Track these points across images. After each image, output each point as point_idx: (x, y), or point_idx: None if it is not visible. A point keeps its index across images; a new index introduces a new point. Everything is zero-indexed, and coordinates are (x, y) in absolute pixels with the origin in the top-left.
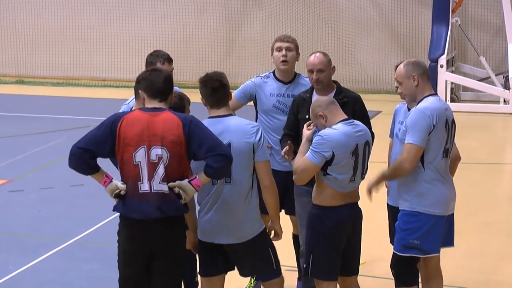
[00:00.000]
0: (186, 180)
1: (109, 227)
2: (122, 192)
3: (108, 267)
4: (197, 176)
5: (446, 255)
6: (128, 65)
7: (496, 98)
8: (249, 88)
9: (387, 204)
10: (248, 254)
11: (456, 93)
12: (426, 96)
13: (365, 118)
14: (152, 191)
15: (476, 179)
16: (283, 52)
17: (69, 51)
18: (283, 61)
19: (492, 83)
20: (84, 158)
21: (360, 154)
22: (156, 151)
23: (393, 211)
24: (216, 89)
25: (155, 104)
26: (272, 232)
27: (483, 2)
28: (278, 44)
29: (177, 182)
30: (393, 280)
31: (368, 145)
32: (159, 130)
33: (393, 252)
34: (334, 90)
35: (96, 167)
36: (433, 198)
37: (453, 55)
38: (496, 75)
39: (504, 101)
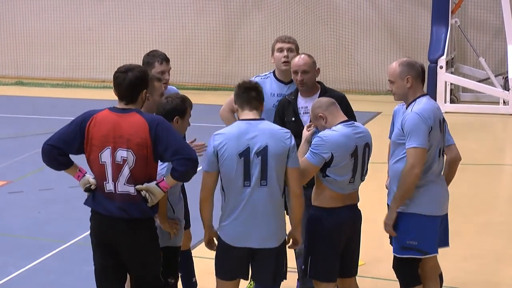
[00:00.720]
0: (154, 182)
1: None
2: (93, 187)
3: None
4: (164, 178)
5: (445, 256)
6: None
7: (496, 99)
8: None
9: (387, 204)
10: (272, 260)
11: (455, 94)
12: (418, 97)
13: (350, 116)
14: (117, 192)
15: (476, 180)
16: (285, 53)
17: (69, 53)
18: (284, 62)
19: (492, 84)
20: (53, 155)
21: (359, 156)
22: (121, 153)
23: None
24: (248, 88)
25: (123, 105)
26: (291, 240)
27: (482, 3)
28: (279, 45)
29: (145, 185)
30: (392, 282)
31: (368, 147)
32: (126, 132)
33: (394, 254)
34: (319, 91)
35: (67, 163)
36: (429, 199)
37: (453, 56)
38: (495, 76)
39: (504, 102)
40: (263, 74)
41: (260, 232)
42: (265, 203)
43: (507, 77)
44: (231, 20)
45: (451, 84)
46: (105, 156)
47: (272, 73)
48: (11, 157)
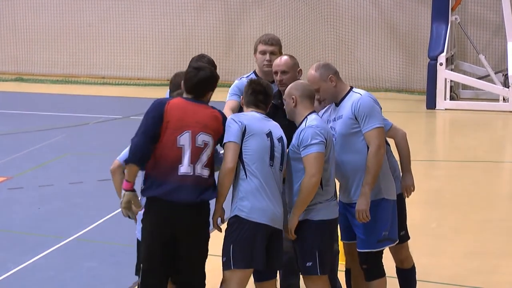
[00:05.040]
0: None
1: (108, 224)
2: (136, 212)
3: (107, 265)
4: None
5: (445, 253)
6: (127, 63)
7: (496, 96)
8: (241, 86)
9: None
10: (281, 242)
11: (455, 91)
12: (350, 91)
13: None
14: (196, 174)
15: (476, 177)
16: (267, 56)
17: (68, 49)
18: (266, 65)
19: (492, 81)
20: (148, 153)
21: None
22: (203, 137)
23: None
24: (255, 91)
25: (192, 97)
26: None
27: (482, 0)
28: (261, 48)
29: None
30: (387, 278)
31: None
32: (203, 119)
33: (362, 251)
34: None
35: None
36: (390, 184)
37: (453, 53)
38: (495, 73)
39: (504, 99)
40: (246, 75)
41: (279, 213)
42: (280, 186)
43: (507, 74)
44: (231, 17)
45: (451, 81)
46: (184, 139)
47: (253, 73)
48: (11, 153)
